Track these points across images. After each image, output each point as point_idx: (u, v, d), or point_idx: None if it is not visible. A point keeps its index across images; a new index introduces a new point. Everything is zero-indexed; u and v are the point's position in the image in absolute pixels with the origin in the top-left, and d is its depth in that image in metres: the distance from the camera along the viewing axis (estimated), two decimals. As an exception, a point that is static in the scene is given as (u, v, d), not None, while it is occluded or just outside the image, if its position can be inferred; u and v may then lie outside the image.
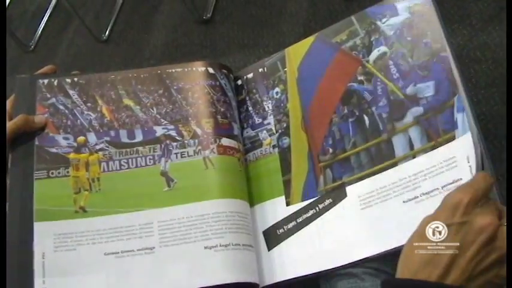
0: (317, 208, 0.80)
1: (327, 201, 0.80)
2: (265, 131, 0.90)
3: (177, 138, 0.87)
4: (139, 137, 0.87)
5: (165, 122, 0.88)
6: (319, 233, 0.79)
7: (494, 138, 1.60)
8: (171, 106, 0.89)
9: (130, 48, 2.54)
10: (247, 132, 0.91)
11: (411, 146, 0.76)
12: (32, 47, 2.81)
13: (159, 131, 0.87)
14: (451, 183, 0.70)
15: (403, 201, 0.73)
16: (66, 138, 0.85)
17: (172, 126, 0.87)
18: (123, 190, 0.83)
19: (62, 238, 0.77)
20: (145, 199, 0.82)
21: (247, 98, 0.94)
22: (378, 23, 0.84)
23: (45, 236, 0.77)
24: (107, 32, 2.62)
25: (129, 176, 0.84)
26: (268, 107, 0.91)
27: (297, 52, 0.91)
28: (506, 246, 0.60)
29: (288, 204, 0.83)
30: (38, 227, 0.77)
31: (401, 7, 0.83)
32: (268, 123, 0.90)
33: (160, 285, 0.76)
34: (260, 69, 0.94)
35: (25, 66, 2.72)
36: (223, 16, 2.39)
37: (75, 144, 0.85)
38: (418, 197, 0.72)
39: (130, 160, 0.85)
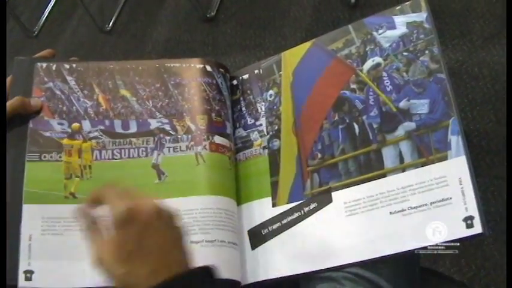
0: (302, 211, 0.81)
1: (312, 205, 0.81)
2: (256, 132, 0.91)
3: (171, 132, 0.87)
4: (133, 128, 0.88)
5: (160, 115, 0.89)
6: (303, 235, 0.80)
7: (486, 155, 1.61)
8: (166, 100, 0.90)
9: (133, 41, 2.55)
10: (239, 132, 0.92)
11: (401, 160, 0.77)
12: (36, 32, 2.81)
13: (154, 124, 0.88)
14: (440, 201, 0.71)
15: (390, 213, 0.74)
16: (60, 124, 0.86)
17: (166, 120, 0.88)
18: (113, 179, 0.83)
19: (50, 222, 0.78)
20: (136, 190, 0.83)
21: (241, 99, 0.95)
22: (374, 33, 0.85)
23: (33, 218, 0.78)
24: (111, 23, 2.62)
25: (120, 166, 0.85)
26: (261, 108, 0.92)
27: (293, 56, 0.92)
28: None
29: (274, 205, 0.84)
30: (27, 209, 0.78)
31: (399, 21, 0.84)
32: (260, 125, 0.91)
33: None
34: (256, 71, 0.95)
35: (27, 52, 2.72)
36: (227, 15, 2.40)
37: (69, 130, 0.85)
38: (405, 210, 0.73)
39: (123, 150, 0.86)
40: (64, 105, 0.87)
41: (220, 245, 0.80)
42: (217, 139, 0.88)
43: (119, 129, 0.87)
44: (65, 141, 0.85)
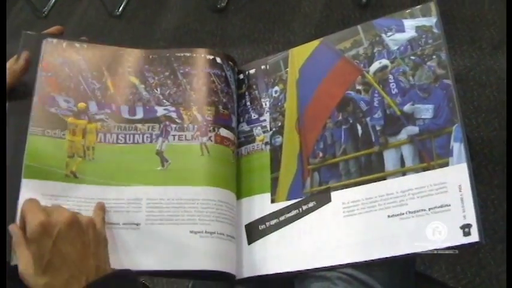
0: (300, 209, 0.81)
1: (311, 204, 0.81)
2: (259, 127, 0.91)
3: (177, 120, 0.87)
4: (139, 115, 0.87)
5: (167, 103, 0.88)
6: (300, 233, 0.80)
7: (489, 163, 1.61)
8: (175, 89, 0.89)
9: (142, 27, 2.54)
10: (242, 127, 0.92)
11: (402, 163, 0.77)
12: (45, 13, 2.81)
13: (160, 111, 0.87)
14: (438, 207, 0.71)
15: (388, 216, 0.74)
16: (67, 101, 0.84)
17: (173, 108, 0.88)
18: (116, 163, 0.83)
19: (48, 199, 0.76)
20: (138, 175, 0.82)
21: (246, 93, 0.95)
22: (383, 35, 0.85)
23: (32, 194, 0.76)
24: (121, 8, 2.62)
25: (124, 150, 0.84)
26: (265, 104, 0.92)
27: (300, 54, 0.92)
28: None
29: (273, 201, 0.84)
30: (26, 184, 0.77)
31: (408, 24, 0.84)
32: (264, 120, 0.91)
33: (140, 262, 0.76)
34: (262, 66, 0.95)
35: (36, 32, 2.72)
36: (238, 7, 2.40)
37: (75, 108, 0.84)
38: (403, 214, 0.73)
39: (127, 135, 0.85)
40: (72, 83, 0.86)
41: (219, 237, 0.79)
42: (223, 131, 0.87)
43: (125, 115, 0.86)
44: (70, 119, 0.83)
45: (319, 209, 0.80)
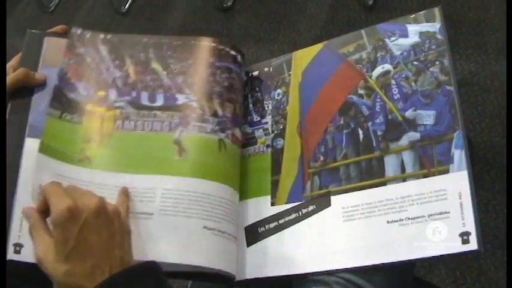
0: (300, 212, 0.81)
1: (311, 207, 0.81)
2: (261, 130, 0.91)
3: (198, 110, 0.84)
4: (159, 102, 0.85)
5: (189, 92, 0.86)
6: (299, 237, 0.80)
7: (491, 168, 1.61)
8: (197, 78, 0.87)
9: (147, 25, 2.55)
10: (244, 129, 0.92)
11: (403, 169, 0.77)
12: (52, 8, 2.82)
13: (181, 99, 0.85)
14: (438, 214, 0.71)
15: (387, 222, 0.74)
16: (86, 89, 0.84)
17: (194, 98, 0.85)
18: (133, 150, 0.81)
19: (60, 179, 0.74)
20: (154, 164, 0.80)
21: (249, 95, 0.94)
22: (386, 40, 0.85)
23: (44, 169, 0.75)
24: (127, 5, 2.63)
25: (141, 138, 0.83)
26: (268, 106, 0.92)
27: (303, 57, 0.92)
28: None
29: (272, 204, 0.84)
30: (40, 159, 0.76)
31: (412, 29, 0.84)
32: (266, 123, 0.91)
33: (150, 252, 0.74)
34: (266, 69, 0.95)
35: (42, 27, 2.71)
36: (244, 6, 2.40)
37: (94, 97, 0.84)
38: (402, 220, 0.73)
39: (146, 123, 0.83)
40: (93, 72, 0.85)
41: (228, 237, 0.79)
42: (237, 131, 0.87)
43: (144, 102, 0.85)
44: (89, 106, 0.83)
45: (319, 213, 0.80)
